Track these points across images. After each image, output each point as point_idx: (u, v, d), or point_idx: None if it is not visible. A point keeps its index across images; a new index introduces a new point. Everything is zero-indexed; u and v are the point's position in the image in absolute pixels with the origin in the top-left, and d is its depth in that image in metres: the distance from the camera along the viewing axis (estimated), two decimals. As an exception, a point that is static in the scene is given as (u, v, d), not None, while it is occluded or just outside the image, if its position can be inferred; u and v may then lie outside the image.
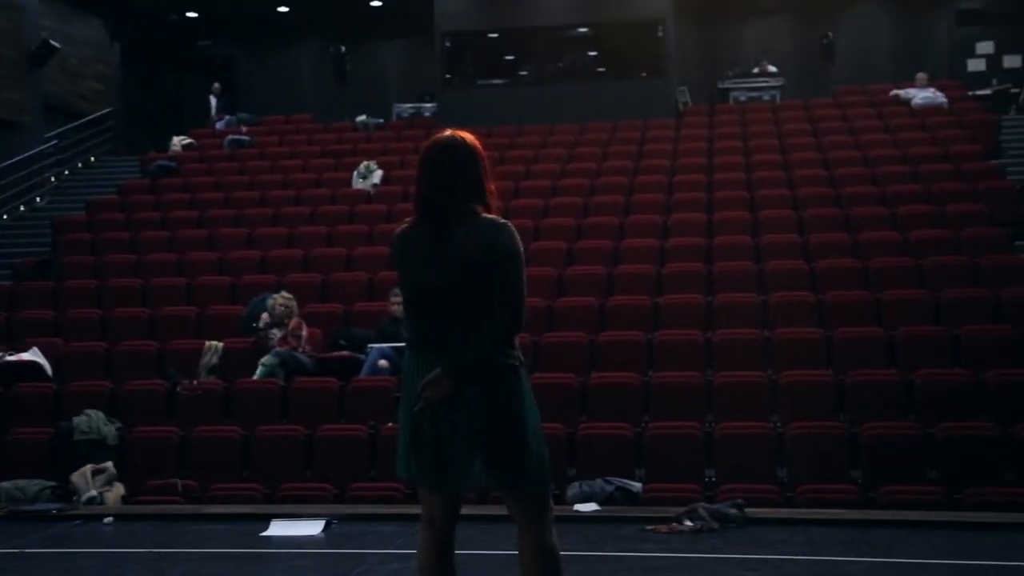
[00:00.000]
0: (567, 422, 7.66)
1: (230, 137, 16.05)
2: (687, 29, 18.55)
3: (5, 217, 14.62)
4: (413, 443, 3.33)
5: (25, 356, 9.02)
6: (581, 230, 11.35)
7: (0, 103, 14.98)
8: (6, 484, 7.53)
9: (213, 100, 18.62)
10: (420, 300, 3.35)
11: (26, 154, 15.22)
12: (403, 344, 8.54)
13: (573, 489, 7.08)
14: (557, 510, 6.53)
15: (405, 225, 3.45)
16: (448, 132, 3.50)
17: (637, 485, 7.11)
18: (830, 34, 17.50)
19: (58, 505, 7.30)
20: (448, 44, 16.97)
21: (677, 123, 15.32)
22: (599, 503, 6.90)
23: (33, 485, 7.55)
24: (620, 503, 6.94)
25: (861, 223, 10.72)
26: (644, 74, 16.59)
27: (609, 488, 7.01)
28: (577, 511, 6.77)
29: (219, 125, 17.34)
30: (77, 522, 6.92)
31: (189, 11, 19.93)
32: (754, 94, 16.86)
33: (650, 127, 14.94)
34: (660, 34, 16.42)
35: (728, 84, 17.31)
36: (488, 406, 3.25)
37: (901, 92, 15.04)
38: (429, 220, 3.36)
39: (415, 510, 6.87)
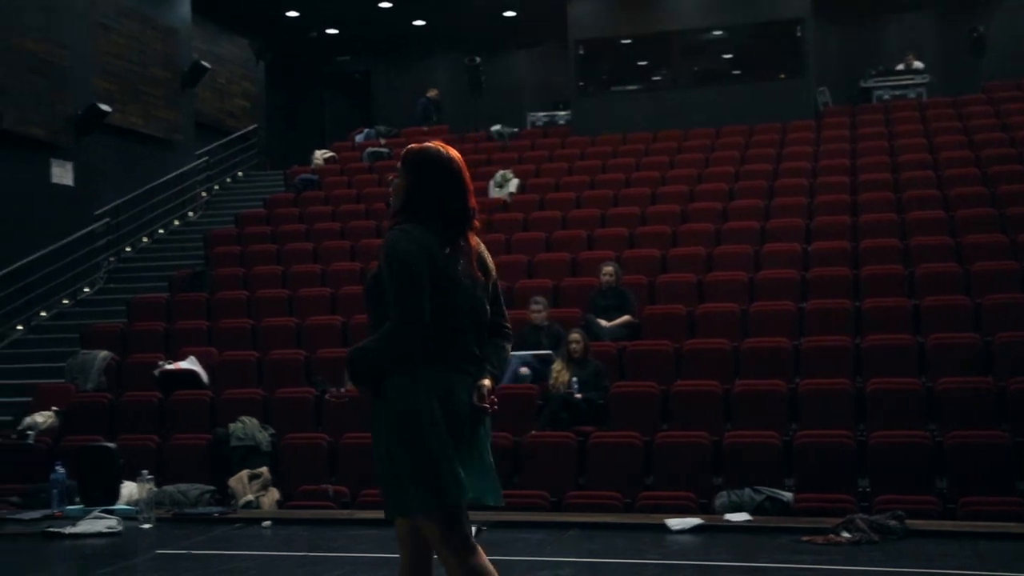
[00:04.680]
0: (712, 430, 7.56)
1: (369, 150, 16.42)
2: (826, 27, 18.11)
3: (161, 231, 15.29)
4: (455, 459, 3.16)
5: (183, 365, 9.39)
6: (720, 235, 11.19)
7: (156, 122, 15.68)
8: (169, 488, 7.85)
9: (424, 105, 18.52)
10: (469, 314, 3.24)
11: (179, 171, 15.89)
12: (546, 351, 8.66)
13: (721, 499, 6.97)
14: (706, 519, 6.53)
15: (409, 229, 3.21)
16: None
17: (788, 495, 6.95)
18: (980, 27, 16.80)
19: (219, 509, 7.58)
20: (582, 51, 16.98)
21: (817, 124, 14.96)
22: (749, 513, 6.77)
23: (194, 489, 7.86)
24: (770, 513, 6.80)
25: (1018, 224, 10.27)
26: (782, 75, 16.26)
27: (759, 497, 6.88)
28: (728, 521, 6.66)
29: (358, 138, 17.76)
30: (237, 525, 7.16)
31: (329, 28, 20.51)
32: (899, 92, 16.33)
33: (789, 129, 14.63)
34: (799, 34, 16.07)
35: (871, 83, 16.80)
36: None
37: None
38: (456, 231, 3.25)
39: (562, 518, 6.93)
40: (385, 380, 3.13)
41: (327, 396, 8.83)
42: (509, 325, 3.41)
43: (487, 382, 3.22)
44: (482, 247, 3.34)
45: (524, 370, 8.69)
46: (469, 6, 19.09)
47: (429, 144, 3.36)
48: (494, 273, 3.36)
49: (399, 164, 3.38)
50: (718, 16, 16.57)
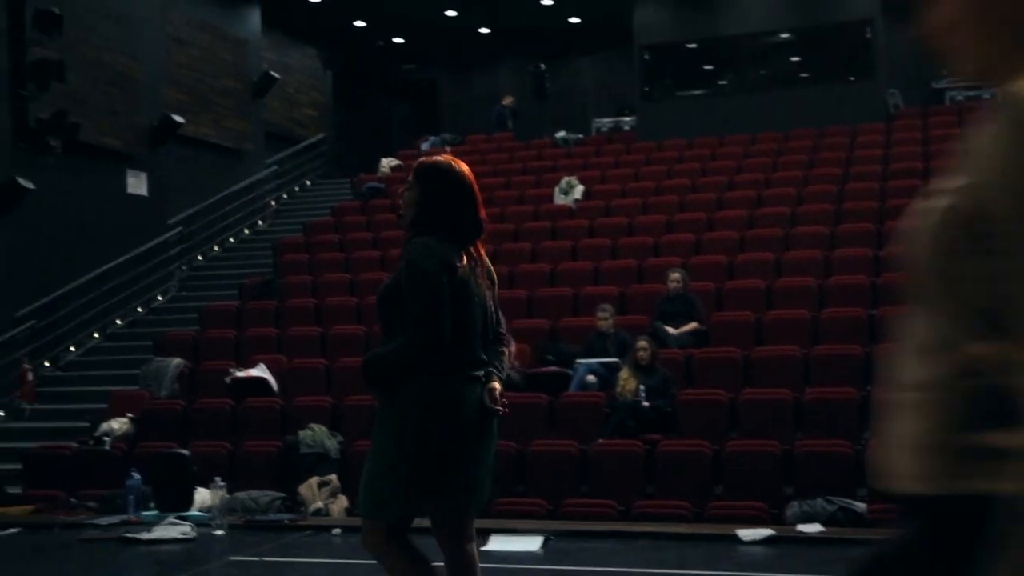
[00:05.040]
0: (782, 439, 7.47)
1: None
2: (896, 27, 17.80)
3: (232, 240, 15.54)
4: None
5: (253, 372, 9.53)
6: (789, 241, 11.05)
7: (226, 132, 15.95)
8: (240, 494, 7.96)
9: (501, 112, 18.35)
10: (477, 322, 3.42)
11: (249, 180, 16.14)
12: (612, 359, 8.64)
13: (793, 509, 6.88)
14: (778, 530, 6.44)
15: (429, 242, 3.37)
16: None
17: (861, 505, 6.84)
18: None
19: (290, 516, 7.67)
20: (647, 56, 16.90)
21: (888, 127, 14.70)
22: (821, 523, 6.67)
23: (264, 496, 7.96)
24: (843, 524, 6.69)
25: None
26: (851, 77, 16.02)
27: (831, 508, 6.78)
28: (800, 532, 6.57)
29: (423, 146, 17.87)
30: (307, 532, 7.24)
31: (396, 37, 20.69)
32: (972, 92, 15.98)
33: (859, 132, 14.40)
34: (868, 35, 15.83)
35: (943, 84, 16.47)
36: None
37: None
38: (468, 241, 3.45)
39: (630, 527, 6.89)
40: (398, 386, 3.30)
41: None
42: (505, 331, 3.64)
43: (497, 385, 3.40)
44: (486, 257, 3.57)
45: (591, 378, 8.67)
46: (534, 13, 19.13)
47: (440, 158, 3.61)
48: (496, 282, 3.60)
49: (410, 177, 3.56)
50: (785, 19, 16.37)
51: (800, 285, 9.84)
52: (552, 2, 18.65)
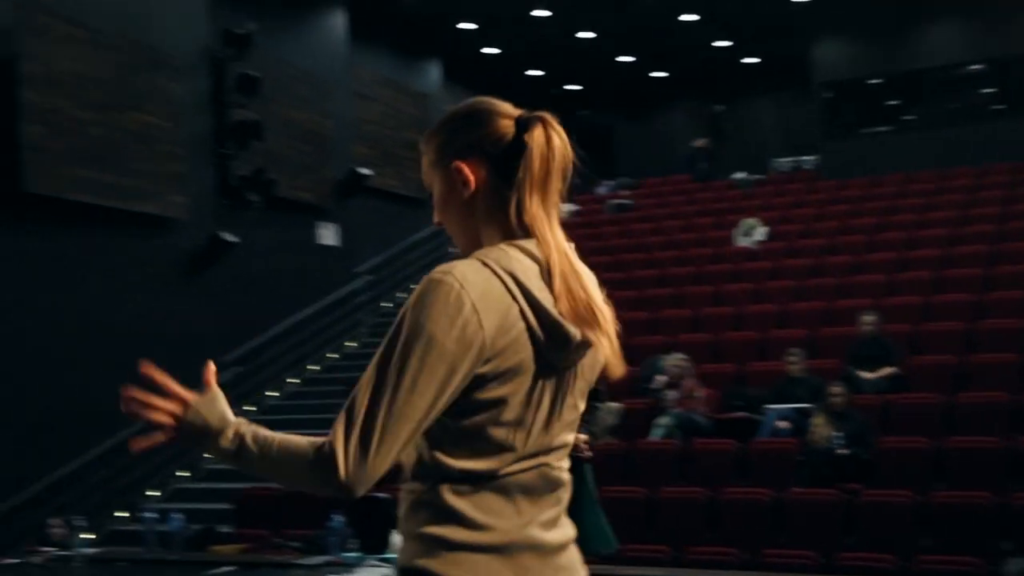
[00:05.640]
0: (995, 490, 7.09)
1: (613, 202, 16.59)
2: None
3: (412, 286, 15.94)
4: None
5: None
6: (988, 280, 10.56)
7: (410, 183, 16.45)
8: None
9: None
10: None
11: (432, 228, 16.58)
12: (804, 405, 8.44)
13: (1012, 566, 6.50)
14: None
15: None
16: None
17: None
18: None
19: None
20: (827, 94, 16.56)
21: (1093, 158, 13.92)
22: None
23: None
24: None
25: None
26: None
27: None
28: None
29: (600, 190, 17.99)
30: None
31: (570, 84, 20.98)
32: None
33: (1062, 164, 13.69)
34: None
35: None
36: None
37: None
38: None
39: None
40: None
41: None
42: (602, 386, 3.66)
43: (582, 436, 3.49)
44: None
45: (782, 423, 8.48)
46: (708, 56, 19.05)
47: None
48: None
49: None
50: (976, 49, 15.76)
51: (1004, 327, 9.37)
52: (728, 43, 18.53)
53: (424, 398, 1.65)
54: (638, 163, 19.82)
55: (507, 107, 1.89)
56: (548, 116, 1.88)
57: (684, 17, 16.95)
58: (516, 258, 1.75)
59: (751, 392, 9.30)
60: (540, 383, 1.73)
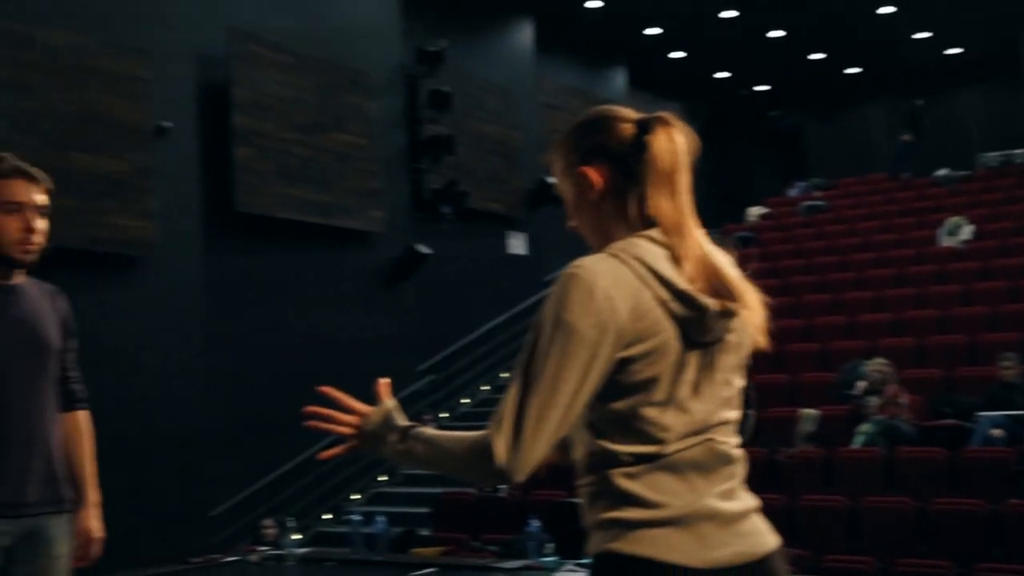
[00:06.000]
0: None
1: (805, 203, 16.15)
2: None
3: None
4: None
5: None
6: None
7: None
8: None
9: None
10: None
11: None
12: (1020, 411, 7.99)
13: None
14: None
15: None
16: None
17: None
18: None
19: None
20: (1039, 82, 15.61)
21: None
22: None
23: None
24: None
25: None
26: None
27: None
28: None
29: (792, 192, 17.54)
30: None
31: (759, 85, 20.56)
32: None
33: None
34: None
35: None
36: None
37: None
38: None
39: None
40: None
41: (779, 456, 8.73)
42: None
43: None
44: None
45: (996, 431, 8.04)
46: (906, 48, 18.28)
47: None
48: None
49: None
50: None
51: None
52: (928, 35, 17.72)
53: (569, 384, 1.74)
54: (831, 163, 19.22)
55: (628, 112, 1.98)
56: (668, 115, 1.96)
57: (882, 10, 16.32)
58: (642, 245, 1.83)
59: (961, 398, 8.87)
60: (687, 361, 1.80)
